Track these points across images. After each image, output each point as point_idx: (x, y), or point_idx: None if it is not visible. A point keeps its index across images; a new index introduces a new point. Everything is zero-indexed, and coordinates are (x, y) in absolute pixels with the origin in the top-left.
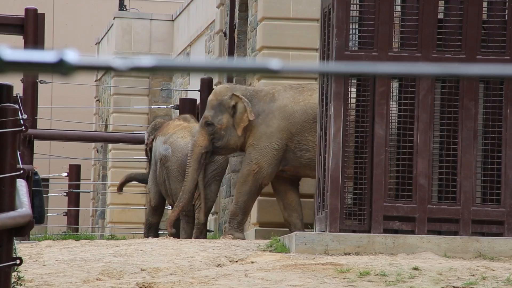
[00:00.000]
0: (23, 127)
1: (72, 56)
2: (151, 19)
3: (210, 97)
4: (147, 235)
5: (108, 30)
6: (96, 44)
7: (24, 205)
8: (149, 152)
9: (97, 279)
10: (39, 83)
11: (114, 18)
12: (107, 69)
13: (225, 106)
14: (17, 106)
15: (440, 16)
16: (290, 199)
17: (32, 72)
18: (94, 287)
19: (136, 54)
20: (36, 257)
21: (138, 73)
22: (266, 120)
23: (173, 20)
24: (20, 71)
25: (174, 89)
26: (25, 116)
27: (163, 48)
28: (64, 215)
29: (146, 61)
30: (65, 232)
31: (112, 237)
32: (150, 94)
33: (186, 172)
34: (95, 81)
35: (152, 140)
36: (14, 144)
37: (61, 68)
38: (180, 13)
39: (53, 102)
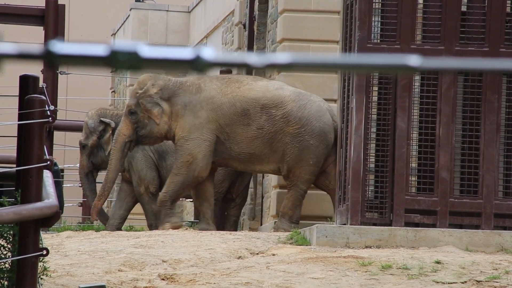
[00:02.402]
0: (50, 118)
1: (208, 53)
2: (167, 11)
3: (134, 86)
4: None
5: (124, 21)
6: (112, 35)
7: (50, 196)
8: (97, 140)
9: (118, 270)
10: (59, 74)
11: (130, 9)
12: (242, 66)
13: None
14: (44, 97)
15: (464, 8)
16: (204, 189)
17: (168, 68)
18: (116, 278)
19: (152, 46)
20: (57, 247)
21: (274, 69)
22: (194, 111)
23: (189, 12)
24: (157, 68)
25: None
26: (52, 107)
27: (179, 40)
28: (79, 206)
29: (282, 57)
30: (80, 222)
31: (131, 228)
32: None
33: (109, 162)
34: (111, 72)
35: (105, 127)
36: (41, 135)
37: (197, 64)
38: (196, 5)
39: (68, 93)
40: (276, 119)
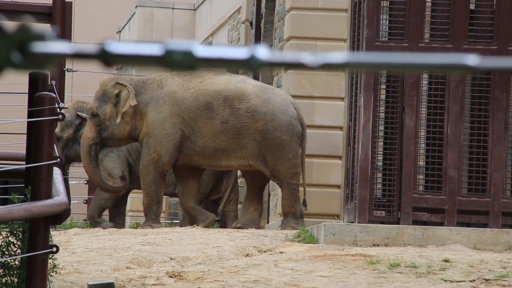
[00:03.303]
0: (60, 116)
1: (263, 52)
2: (173, 8)
3: (98, 88)
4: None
5: (129, 19)
6: (117, 33)
7: (60, 193)
8: (73, 134)
9: (127, 268)
10: (66, 72)
11: (136, 7)
12: (297, 66)
13: (109, 96)
14: (54, 95)
15: (472, 7)
16: (189, 185)
17: (222, 68)
18: (124, 276)
19: (157, 43)
20: (65, 245)
21: (329, 69)
22: (156, 107)
23: (195, 9)
24: (211, 67)
25: None
26: (62, 105)
27: (185, 37)
28: (84, 203)
29: (338, 57)
30: (85, 220)
31: (137, 226)
32: None
33: (84, 169)
34: (116, 69)
35: (81, 121)
36: (51, 133)
37: (252, 64)
38: (202, 2)
39: (73, 90)
40: (240, 113)
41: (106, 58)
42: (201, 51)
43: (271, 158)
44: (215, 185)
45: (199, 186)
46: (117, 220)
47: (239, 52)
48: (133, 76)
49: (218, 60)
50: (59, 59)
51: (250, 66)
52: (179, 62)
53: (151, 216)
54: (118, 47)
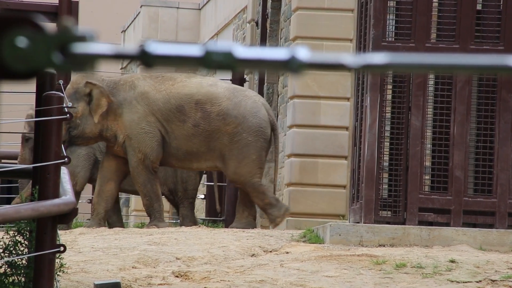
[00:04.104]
0: (68, 115)
1: (303, 54)
2: (177, 8)
3: (68, 86)
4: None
5: (134, 18)
6: (122, 32)
7: (67, 193)
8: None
9: (133, 267)
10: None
11: (141, 6)
12: (337, 67)
13: (80, 94)
14: (62, 94)
15: (479, 7)
16: (107, 188)
17: (262, 69)
18: (131, 275)
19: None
20: (71, 244)
21: (370, 70)
22: (130, 108)
23: (200, 9)
24: (252, 68)
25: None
26: (69, 104)
27: (190, 37)
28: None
29: (379, 58)
30: (89, 219)
31: (143, 225)
32: None
33: None
34: (121, 69)
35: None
36: (59, 132)
37: (292, 65)
38: (207, 2)
39: None
40: (212, 117)
41: (146, 59)
42: (241, 52)
43: (234, 160)
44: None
45: (116, 192)
46: (114, 219)
47: (279, 53)
48: (103, 76)
49: (257, 61)
50: (99, 60)
51: (290, 68)
52: (219, 63)
53: (155, 215)
54: (158, 48)
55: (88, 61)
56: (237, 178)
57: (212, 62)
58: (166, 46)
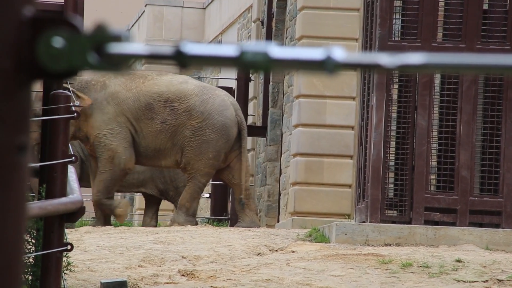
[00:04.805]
0: (75, 114)
1: (339, 54)
2: (182, 7)
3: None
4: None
5: (139, 17)
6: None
7: (75, 192)
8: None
9: (139, 266)
10: None
11: (145, 5)
12: (374, 67)
13: None
14: (69, 93)
15: (485, 7)
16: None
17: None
18: (137, 274)
19: (166, 42)
20: (77, 243)
21: (406, 71)
22: (100, 108)
23: (204, 8)
24: (286, 68)
25: (211, 77)
26: (77, 103)
27: (194, 36)
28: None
29: (415, 58)
30: (93, 218)
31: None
32: None
33: None
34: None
35: None
36: (66, 131)
37: (328, 65)
38: (211, 1)
39: None
40: (179, 113)
41: (181, 59)
42: (277, 52)
43: (190, 152)
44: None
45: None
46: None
47: (315, 53)
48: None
49: (293, 61)
50: (135, 60)
51: (326, 68)
52: (255, 63)
53: (107, 207)
54: (193, 48)
55: (123, 61)
56: (188, 168)
57: (247, 62)
58: (201, 47)
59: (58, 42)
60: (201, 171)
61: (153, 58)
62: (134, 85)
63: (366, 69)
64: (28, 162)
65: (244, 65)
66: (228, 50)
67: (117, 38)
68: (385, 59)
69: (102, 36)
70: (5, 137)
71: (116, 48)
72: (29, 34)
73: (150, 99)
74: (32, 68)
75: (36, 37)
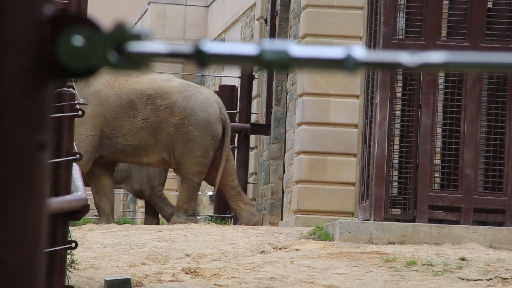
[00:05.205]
0: (79, 112)
1: (359, 52)
2: (185, 5)
3: None
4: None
5: (142, 15)
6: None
7: (79, 189)
8: None
9: (142, 264)
10: None
11: (148, 3)
12: (394, 66)
13: None
14: (74, 91)
15: (490, 5)
16: (102, 183)
17: (318, 68)
18: (141, 272)
19: (169, 40)
20: (81, 240)
21: (428, 69)
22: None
23: (207, 6)
24: (306, 67)
25: (214, 75)
26: (82, 101)
27: (197, 34)
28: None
29: (437, 56)
30: (96, 215)
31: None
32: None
33: None
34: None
35: None
36: (70, 129)
37: (348, 64)
38: None
39: None
40: (161, 109)
41: (201, 57)
42: (297, 50)
43: (179, 152)
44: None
45: (111, 183)
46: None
47: (335, 52)
48: None
49: (313, 60)
50: (155, 59)
51: (346, 67)
52: (274, 61)
53: None
54: (213, 47)
55: (143, 60)
56: (180, 169)
57: (267, 61)
58: (221, 45)
59: (78, 40)
60: (192, 170)
61: (173, 56)
62: (117, 84)
63: (386, 68)
64: (48, 160)
65: (264, 63)
66: (248, 48)
67: (137, 37)
68: (406, 58)
69: (122, 35)
70: (26, 135)
71: (136, 46)
72: (49, 33)
73: (132, 96)
74: (52, 67)
75: (56, 36)
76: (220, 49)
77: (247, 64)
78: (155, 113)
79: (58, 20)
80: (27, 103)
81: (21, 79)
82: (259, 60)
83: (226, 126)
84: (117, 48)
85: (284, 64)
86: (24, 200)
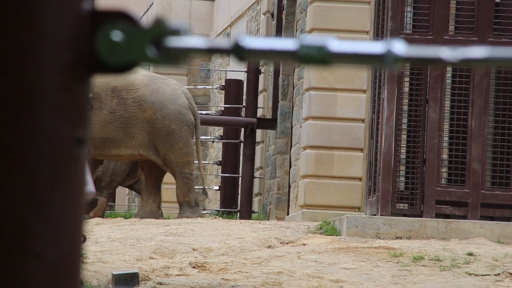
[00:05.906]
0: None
1: (400, 47)
2: None
3: None
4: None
5: (147, 9)
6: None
7: (87, 183)
8: None
9: (150, 258)
10: None
11: None
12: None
13: None
14: None
15: (497, 0)
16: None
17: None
18: (148, 266)
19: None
20: (88, 234)
21: (469, 65)
22: None
23: (213, 0)
24: (346, 63)
25: (220, 69)
26: (90, 96)
27: (203, 29)
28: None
29: (478, 52)
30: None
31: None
32: (189, 74)
33: None
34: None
35: None
36: None
37: (388, 59)
38: None
39: None
40: (128, 103)
41: (240, 53)
42: (336, 46)
43: (161, 148)
44: (130, 171)
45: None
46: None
47: (375, 47)
48: None
49: (352, 55)
50: (194, 54)
51: (386, 62)
52: (313, 57)
53: None
54: (252, 42)
55: (181, 55)
56: (168, 164)
57: (305, 56)
58: (260, 40)
59: (117, 36)
60: (179, 162)
61: (212, 52)
62: None
63: (426, 63)
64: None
65: (303, 59)
66: (286, 44)
67: (176, 32)
68: (447, 53)
69: (160, 30)
70: (65, 130)
71: (175, 41)
72: (88, 28)
73: (97, 89)
74: (91, 62)
75: (95, 31)
76: (259, 44)
77: (285, 59)
78: (122, 107)
79: (97, 15)
80: (66, 98)
81: (60, 74)
82: (297, 56)
83: (196, 117)
84: (156, 43)
85: (324, 59)
86: (63, 195)
